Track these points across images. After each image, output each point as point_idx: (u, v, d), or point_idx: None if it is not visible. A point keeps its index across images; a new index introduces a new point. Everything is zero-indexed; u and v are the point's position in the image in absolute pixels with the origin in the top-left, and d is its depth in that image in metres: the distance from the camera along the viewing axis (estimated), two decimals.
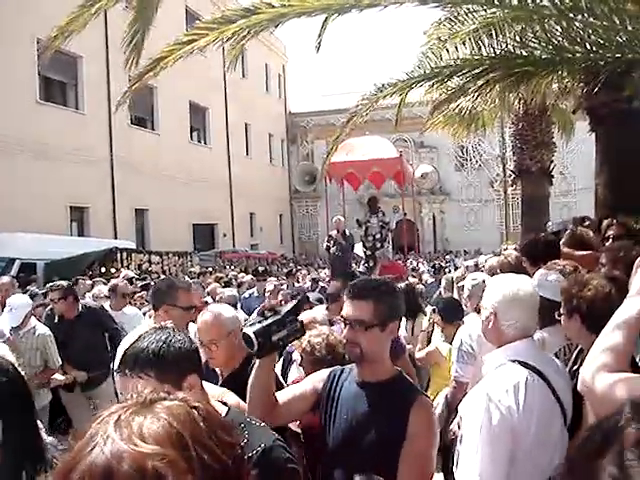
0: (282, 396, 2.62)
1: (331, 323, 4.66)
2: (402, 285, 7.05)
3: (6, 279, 9.58)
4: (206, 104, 32.57)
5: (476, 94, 8.09)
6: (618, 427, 0.82)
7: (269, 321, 2.36)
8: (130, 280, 10.61)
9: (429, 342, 6.03)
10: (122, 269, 16.43)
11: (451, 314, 5.56)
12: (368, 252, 13.42)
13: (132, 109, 23.20)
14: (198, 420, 0.98)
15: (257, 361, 2.50)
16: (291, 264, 28.34)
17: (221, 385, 3.12)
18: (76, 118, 23.29)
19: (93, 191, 23.46)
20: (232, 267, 23.83)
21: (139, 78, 6.49)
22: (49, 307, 6.96)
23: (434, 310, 6.13)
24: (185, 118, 30.83)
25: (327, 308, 5.49)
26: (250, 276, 13.94)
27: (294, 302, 2.48)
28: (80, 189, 22.52)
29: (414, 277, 14.78)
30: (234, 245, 32.47)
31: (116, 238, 23.11)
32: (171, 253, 22.63)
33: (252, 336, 2.32)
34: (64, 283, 6.79)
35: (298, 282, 14.48)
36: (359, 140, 14.53)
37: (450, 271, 14.49)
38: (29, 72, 20.64)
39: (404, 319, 6.58)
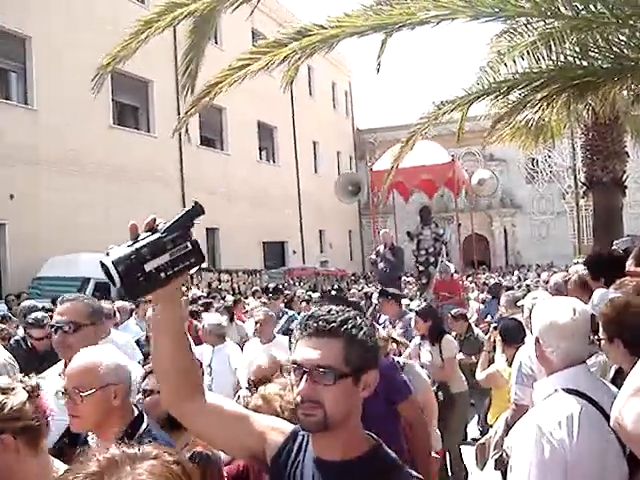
0: (222, 401, 1.86)
1: None
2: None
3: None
4: (274, 123, 32.99)
5: (540, 106, 7.89)
6: None
7: (139, 244, 1.58)
8: (196, 299, 10.82)
9: (491, 363, 5.88)
10: (192, 287, 16.78)
11: (512, 336, 5.36)
12: (421, 267, 12.70)
13: (198, 130, 23.65)
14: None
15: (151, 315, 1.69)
16: (361, 280, 28.18)
17: None
18: (148, 141, 24.01)
19: (165, 211, 23.90)
20: (301, 284, 23.97)
21: (195, 103, 6.65)
22: (20, 336, 6.40)
23: (495, 328, 5.98)
24: (254, 137, 31.31)
25: None
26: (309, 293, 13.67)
27: (181, 213, 1.68)
28: (153, 210, 22.68)
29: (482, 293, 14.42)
30: (304, 262, 32.64)
31: None
32: (240, 271, 22.97)
33: (110, 266, 1.51)
34: (45, 318, 5.85)
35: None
36: None
37: (514, 287, 13.69)
38: (103, 97, 21.37)
39: (428, 343, 6.29)
